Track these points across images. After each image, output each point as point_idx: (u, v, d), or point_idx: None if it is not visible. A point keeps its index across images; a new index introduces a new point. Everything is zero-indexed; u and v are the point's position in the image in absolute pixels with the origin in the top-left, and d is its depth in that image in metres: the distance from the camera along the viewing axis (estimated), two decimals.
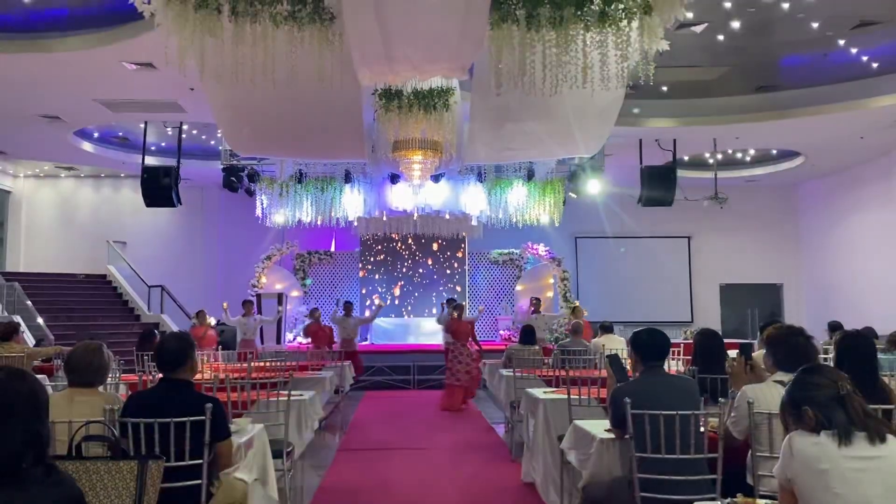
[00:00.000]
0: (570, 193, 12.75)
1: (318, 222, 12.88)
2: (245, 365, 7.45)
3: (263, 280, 14.80)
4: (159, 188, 11.29)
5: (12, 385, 2.04)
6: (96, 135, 13.28)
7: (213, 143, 13.64)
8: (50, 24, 8.51)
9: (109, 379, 4.34)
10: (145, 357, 6.95)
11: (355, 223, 13.24)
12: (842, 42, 9.11)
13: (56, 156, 14.18)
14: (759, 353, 4.39)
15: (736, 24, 8.58)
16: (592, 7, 4.81)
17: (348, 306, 11.90)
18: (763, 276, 16.64)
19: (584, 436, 4.02)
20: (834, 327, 8.86)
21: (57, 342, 10.74)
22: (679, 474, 3.31)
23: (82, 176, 16.61)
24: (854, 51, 9.36)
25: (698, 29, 8.67)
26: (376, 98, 7.89)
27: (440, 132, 7.97)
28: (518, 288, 15.62)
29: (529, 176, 12.40)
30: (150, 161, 12.47)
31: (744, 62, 9.88)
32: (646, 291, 16.15)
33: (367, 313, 14.22)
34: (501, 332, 15.40)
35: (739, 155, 14.39)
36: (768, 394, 3.25)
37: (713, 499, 3.23)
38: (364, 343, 14.37)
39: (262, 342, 13.45)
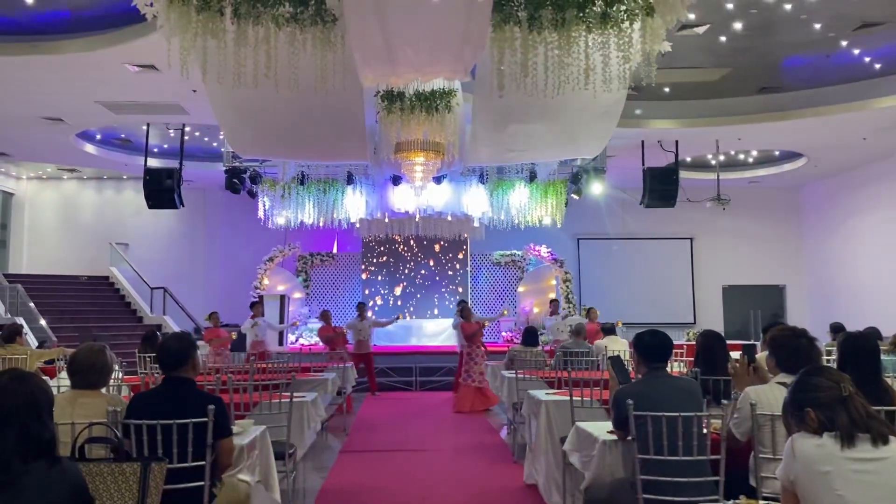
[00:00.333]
0: (572, 195, 12.73)
1: (321, 224, 12.88)
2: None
3: (266, 281, 14.83)
4: (162, 190, 11.31)
5: (11, 388, 2.05)
6: (99, 137, 13.30)
7: (215, 144, 13.64)
8: (52, 26, 8.52)
9: (112, 381, 4.34)
10: (148, 359, 6.96)
11: (357, 225, 13.26)
12: (844, 43, 9.09)
13: (59, 158, 14.20)
14: (762, 356, 4.38)
15: (738, 26, 8.58)
16: (594, 8, 4.79)
17: (361, 307, 11.88)
18: (766, 278, 16.60)
19: (586, 437, 4.02)
20: (836, 329, 8.82)
21: (59, 344, 10.75)
22: (682, 476, 3.30)
23: (85, 178, 16.63)
24: (857, 52, 9.35)
25: (700, 30, 8.67)
26: (378, 100, 7.89)
27: (442, 134, 7.95)
28: (520, 289, 15.61)
29: (531, 177, 12.39)
30: (153, 163, 12.47)
31: (746, 63, 9.86)
32: (648, 293, 16.12)
33: (372, 316, 14.20)
34: (504, 333, 15.39)
35: (742, 156, 14.39)
36: (771, 395, 3.25)
37: (716, 501, 3.23)
38: None
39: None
